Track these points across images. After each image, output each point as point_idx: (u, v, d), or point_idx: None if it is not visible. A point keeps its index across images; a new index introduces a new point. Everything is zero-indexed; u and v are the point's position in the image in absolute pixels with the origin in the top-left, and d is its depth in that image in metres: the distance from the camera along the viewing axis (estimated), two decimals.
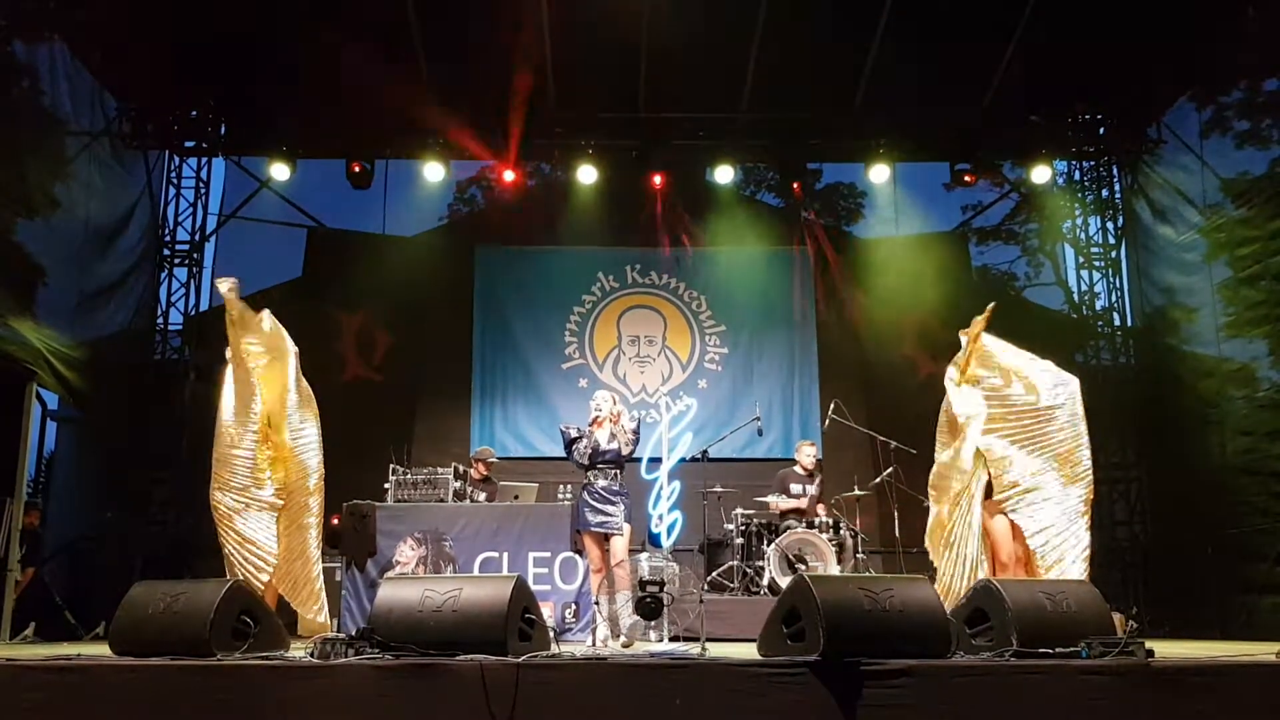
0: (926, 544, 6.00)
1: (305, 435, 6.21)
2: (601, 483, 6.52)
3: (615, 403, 6.71)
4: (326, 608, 6.27)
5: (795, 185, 11.51)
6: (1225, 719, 3.76)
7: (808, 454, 9.07)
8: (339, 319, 11.45)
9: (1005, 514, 5.71)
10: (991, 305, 5.96)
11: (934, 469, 6.04)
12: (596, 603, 6.42)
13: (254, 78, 10.48)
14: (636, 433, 6.63)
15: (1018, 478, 5.63)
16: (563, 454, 11.27)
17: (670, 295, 12.01)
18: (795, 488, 8.96)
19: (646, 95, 10.60)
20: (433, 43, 10.01)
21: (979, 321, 5.89)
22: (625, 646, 5.90)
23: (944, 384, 6.06)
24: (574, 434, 6.71)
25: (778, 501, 8.91)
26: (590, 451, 6.55)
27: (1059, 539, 5.46)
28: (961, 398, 5.82)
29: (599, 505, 6.48)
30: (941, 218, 12.81)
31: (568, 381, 11.64)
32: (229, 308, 6.12)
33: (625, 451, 6.57)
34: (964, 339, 5.99)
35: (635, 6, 9.43)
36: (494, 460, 9.06)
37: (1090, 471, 5.63)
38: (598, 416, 6.61)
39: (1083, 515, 5.53)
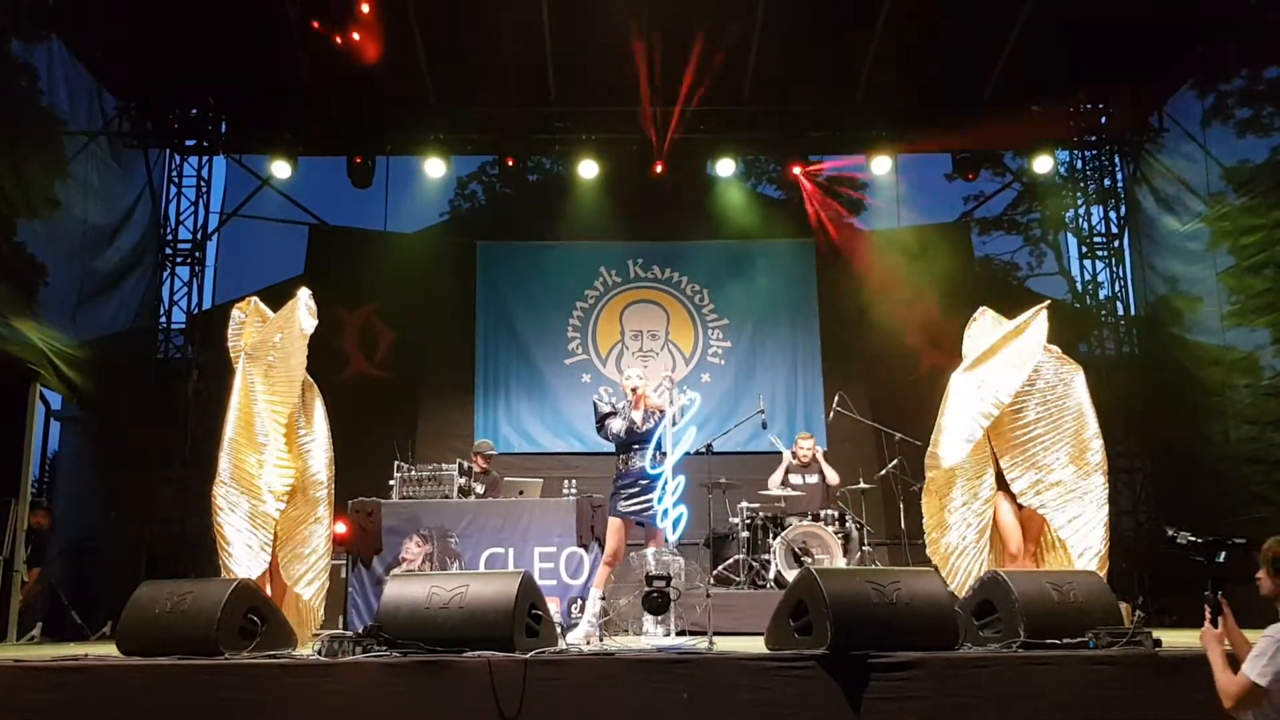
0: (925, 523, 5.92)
1: (314, 435, 6.18)
2: (639, 465, 6.13)
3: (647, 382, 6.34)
4: (321, 599, 6.13)
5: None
6: None
7: (805, 448, 9.09)
8: (341, 316, 11.42)
9: (1018, 505, 5.72)
10: (1046, 304, 5.88)
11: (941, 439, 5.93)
12: (604, 598, 6.26)
13: (254, 75, 10.46)
14: (663, 411, 6.18)
15: (1040, 475, 5.62)
16: (566, 449, 11.32)
17: (673, 289, 11.99)
18: (795, 478, 8.99)
19: (647, 87, 10.57)
20: (432, 39, 9.99)
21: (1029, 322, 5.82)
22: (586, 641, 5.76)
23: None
24: (606, 409, 6.32)
25: (777, 482, 8.92)
26: (625, 430, 6.18)
27: (1087, 527, 5.48)
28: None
29: (635, 493, 6.13)
30: (943, 208, 12.81)
31: (571, 377, 11.63)
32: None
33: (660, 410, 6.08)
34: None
35: None
36: (492, 453, 9.06)
37: (1104, 459, 5.64)
38: (636, 388, 6.21)
39: (1105, 504, 5.55)
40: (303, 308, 6.06)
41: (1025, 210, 12.99)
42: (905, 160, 11.82)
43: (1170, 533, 3.63)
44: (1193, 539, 3.57)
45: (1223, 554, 3.50)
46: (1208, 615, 3.38)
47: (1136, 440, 10.96)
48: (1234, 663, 3.20)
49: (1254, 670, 3.11)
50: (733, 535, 8.88)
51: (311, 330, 6.05)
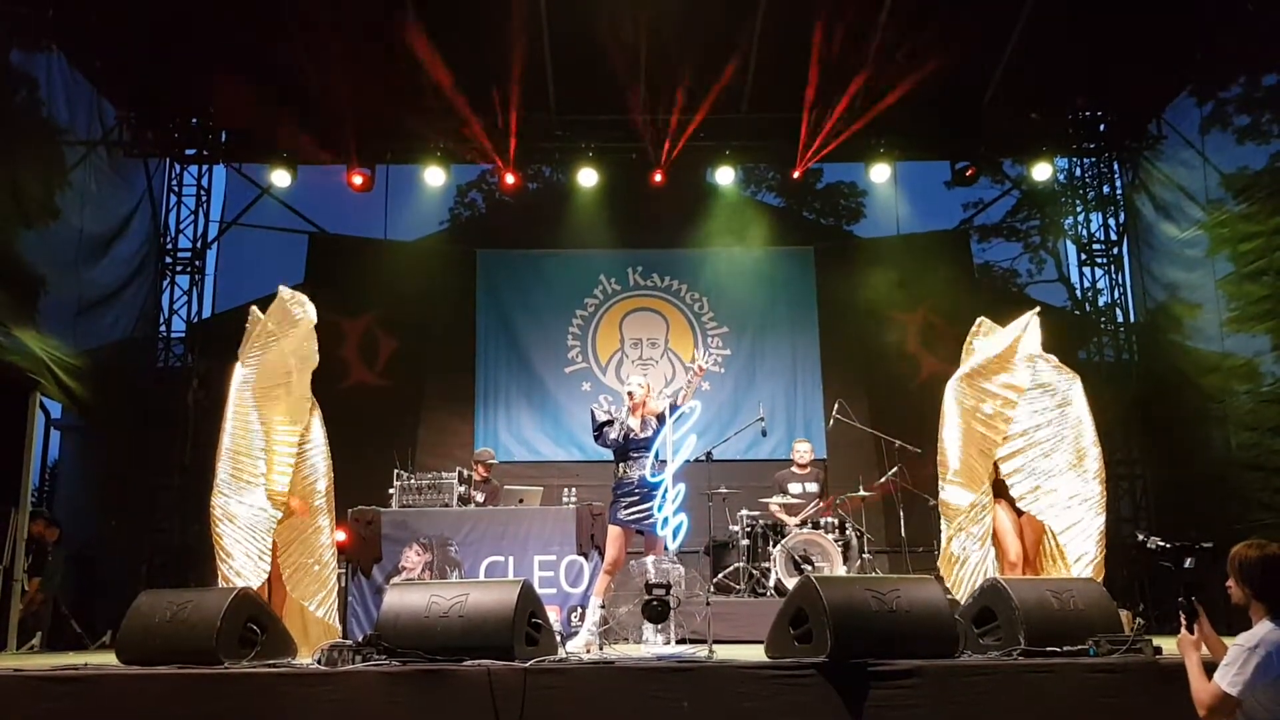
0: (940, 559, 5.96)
1: (312, 442, 6.18)
2: (638, 473, 6.17)
3: (650, 391, 6.42)
4: (335, 610, 6.19)
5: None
6: None
7: (802, 451, 9.09)
8: (341, 325, 11.40)
9: (1017, 513, 5.73)
10: (1036, 310, 5.96)
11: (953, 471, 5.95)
12: (604, 606, 6.25)
13: (254, 84, 10.47)
14: (661, 418, 6.26)
15: (1039, 481, 5.63)
16: (566, 457, 11.32)
17: (672, 297, 12.00)
18: (794, 487, 8.97)
19: (646, 97, 10.59)
20: (433, 46, 9.99)
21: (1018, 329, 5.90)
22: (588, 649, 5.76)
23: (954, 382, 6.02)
24: (603, 417, 6.36)
25: (779, 503, 8.88)
26: (623, 437, 6.23)
27: (1084, 534, 5.50)
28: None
29: (634, 501, 6.17)
30: (943, 216, 12.83)
31: (571, 385, 11.63)
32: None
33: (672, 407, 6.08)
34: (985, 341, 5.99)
35: (634, 8, 9.42)
36: (493, 462, 9.06)
37: (1102, 467, 5.66)
38: (634, 393, 6.30)
39: (1103, 512, 5.57)
40: (293, 307, 6.05)
41: (1025, 217, 13.02)
42: (904, 168, 11.83)
43: (1141, 538, 3.65)
44: (1161, 544, 3.57)
45: (1189, 560, 3.50)
46: (1183, 622, 3.39)
47: (1136, 447, 10.95)
48: (1211, 670, 3.20)
49: (1225, 679, 3.11)
50: (733, 543, 8.87)
51: (311, 322, 6.05)
